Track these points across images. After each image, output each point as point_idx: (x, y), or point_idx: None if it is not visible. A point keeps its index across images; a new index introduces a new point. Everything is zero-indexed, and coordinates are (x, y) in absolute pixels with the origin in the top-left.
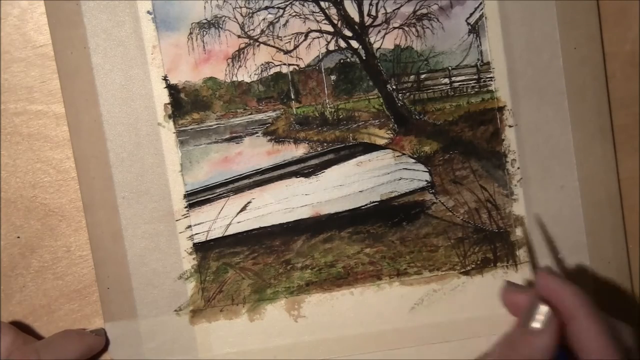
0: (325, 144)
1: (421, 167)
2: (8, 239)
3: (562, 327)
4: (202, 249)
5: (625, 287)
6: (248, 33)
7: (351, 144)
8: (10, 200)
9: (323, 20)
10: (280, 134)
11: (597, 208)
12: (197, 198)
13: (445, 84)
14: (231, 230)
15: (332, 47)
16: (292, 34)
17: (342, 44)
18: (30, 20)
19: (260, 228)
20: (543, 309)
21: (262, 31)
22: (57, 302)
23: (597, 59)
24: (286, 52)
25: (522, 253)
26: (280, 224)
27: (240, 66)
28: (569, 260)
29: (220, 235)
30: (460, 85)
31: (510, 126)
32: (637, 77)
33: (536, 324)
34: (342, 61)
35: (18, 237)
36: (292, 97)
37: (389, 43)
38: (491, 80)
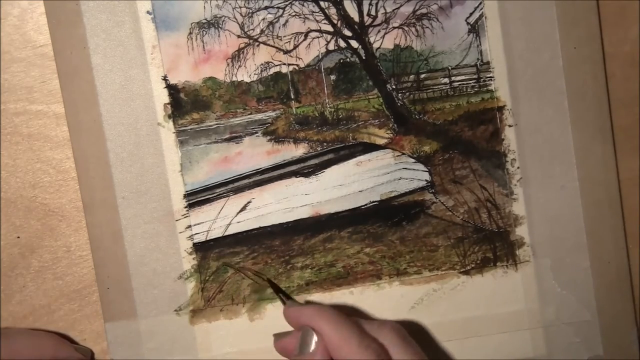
0: (325, 144)
1: (421, 166)
2: (8, 239)
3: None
4: (202, 248)
5: (625, 288)
6: (248, 33)
7: (351, 143)
8: (10, 200)
9: (323, 20)
10: (280, 133)
11: (597, 208)
12: (197, 198)
13: (445, 83)
14: (231, 230)
15: (331, 46)
16: (292, 33)
17: (342, 43)
18: (30, 20)
19: (260, 228)
20: (308, 332)
21: (262, 31)
22: (57, 302)
23: (597, 59)
24: (286, 52)
25: (522, 252)
26: (280, 223)
27: (240, 66)
28: (569, 260)
29: (220, 235)
30: (460, 84)
31: (510, 126)
32: (637, 77)
33: (305, 349)
34: (341, 61)
35: (18, 237)
36: (292, 96)
37: (388, 43)
38: (491, 80)
